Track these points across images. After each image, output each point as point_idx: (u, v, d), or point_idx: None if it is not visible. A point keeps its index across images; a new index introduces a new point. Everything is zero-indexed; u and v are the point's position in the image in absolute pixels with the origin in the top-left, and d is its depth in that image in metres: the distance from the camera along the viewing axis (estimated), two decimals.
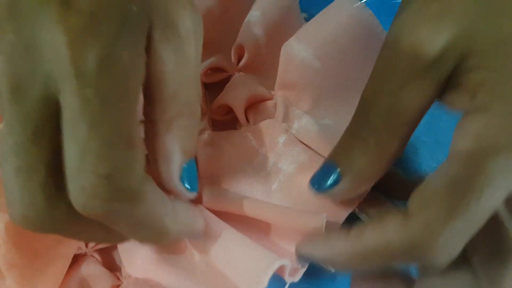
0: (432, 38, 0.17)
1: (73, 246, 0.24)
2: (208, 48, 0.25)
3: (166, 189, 0.20)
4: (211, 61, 0.28)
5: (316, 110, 0.27)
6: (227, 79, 0.29)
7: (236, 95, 0.27)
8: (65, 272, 0.24)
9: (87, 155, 0.15)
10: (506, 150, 0.16)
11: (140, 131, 0.18)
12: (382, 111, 0.19)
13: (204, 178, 0.26)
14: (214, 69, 0.29)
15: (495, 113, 0.17)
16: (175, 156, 0.19)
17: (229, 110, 0.28)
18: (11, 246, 0.21)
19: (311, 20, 0.26)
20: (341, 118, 0.27)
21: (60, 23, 0.15)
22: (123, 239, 0.20)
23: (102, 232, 0.18)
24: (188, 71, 0.19)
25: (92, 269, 0.25)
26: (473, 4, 0.17)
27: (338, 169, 0.21)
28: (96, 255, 0.25)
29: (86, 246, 0.25)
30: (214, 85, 0.29)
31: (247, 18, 0.28)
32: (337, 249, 0.19)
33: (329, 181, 0.21)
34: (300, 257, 0.22)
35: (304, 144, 0.26)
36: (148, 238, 0.19)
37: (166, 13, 0.18)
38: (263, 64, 0.29)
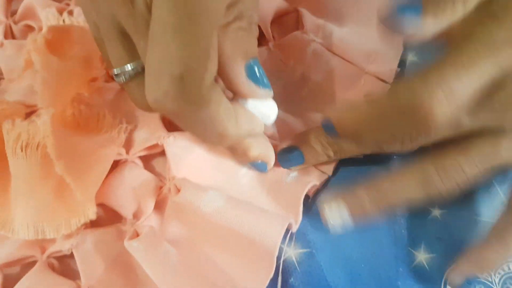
0: None
1: (114, 150, 0.24)
2: None
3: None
4: None
5: (334, 19, 0.29)
6: None
7: (261, 13, 0.28)
8: (106, 173, 0.24)
9: (166, 57, 0.16)
10: None
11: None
12: None
13: None
14: None
15: None
16: (237, 58, 0.19)
17: None
18: (58, 139, 0.21)
19: None
20: (356, 26, 0.28)
21: None
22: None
23: None
24: None
25: (136, 173, 0.25)
26: None
27: None
28: (138, 161, 0.25)
29: (127, 152, 0.25)
30: None
31: None
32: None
33: None
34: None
35: (330, 51, 0.27)
36: (210, 139, 0.20)
37: None
38: None
